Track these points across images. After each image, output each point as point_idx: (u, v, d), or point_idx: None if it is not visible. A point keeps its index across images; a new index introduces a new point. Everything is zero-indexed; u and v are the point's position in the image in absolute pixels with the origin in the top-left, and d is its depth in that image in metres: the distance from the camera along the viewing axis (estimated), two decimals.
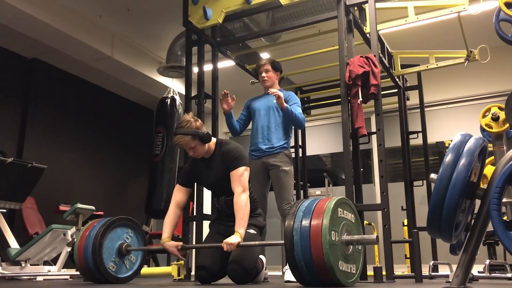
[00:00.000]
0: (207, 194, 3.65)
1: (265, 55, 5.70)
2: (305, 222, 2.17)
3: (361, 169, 5.05)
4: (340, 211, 2.27)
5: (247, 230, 2.70)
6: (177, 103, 6.26)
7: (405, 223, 5.00)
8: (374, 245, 2.20)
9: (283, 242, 2.24)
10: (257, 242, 2.70)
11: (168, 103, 6.19)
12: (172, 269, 3.45)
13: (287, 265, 3.06)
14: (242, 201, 2.64)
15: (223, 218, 2.93)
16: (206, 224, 3.97)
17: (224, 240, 2.55)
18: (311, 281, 2.20)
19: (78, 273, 4.17)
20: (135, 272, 3.05)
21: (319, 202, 2.26)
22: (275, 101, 3.44)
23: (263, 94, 3.72)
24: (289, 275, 3.04)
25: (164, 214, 4.90)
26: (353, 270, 2.27)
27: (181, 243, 2.83)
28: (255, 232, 2.82)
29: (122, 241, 2.98)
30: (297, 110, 3.49)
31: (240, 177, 2.70)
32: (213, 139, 2.86)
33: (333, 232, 2.15)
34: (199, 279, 2.81)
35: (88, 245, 2.82)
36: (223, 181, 2.79)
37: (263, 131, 3.56)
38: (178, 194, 2.91)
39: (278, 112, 3.56)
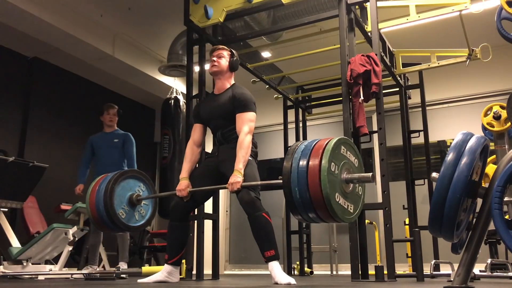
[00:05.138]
0: None
1: (266, 54, 5.70)
2: (304, 159, 2.20)
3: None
4: (343, 150, 2.28)
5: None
6: (181, 103, 6.25)
7: (407, 222, 4.99)
8: (370, 182, 2.24)
9: (281, 180, 2.27)
10: (258, 182, 2.71)
11: (172, 104, 6.18)
12: None
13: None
14: (246, 141, 2.72)
15: (214, 153, 2.96)
16: (207, 223, 3.98)
17: (229, 181, 2.62)
18: (309, 219, 2.23)
19: (79, 272, 4.18)
20: (145, 223, 3.10)
21: (320, 140, 2.28)
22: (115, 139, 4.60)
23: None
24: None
25: None
26: (351, 209, 2.27)
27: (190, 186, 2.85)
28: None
29: (134, 192, 3.03)
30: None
31: (249, 120, 2.78)
32: (232, 80, 2.99)
33: (333, 163, 2.16)
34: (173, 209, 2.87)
35: (101, 190, 2.88)
36: (224, 117, 2.87)
37: None
38: (194, 133, 3.01)
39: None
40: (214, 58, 2.96)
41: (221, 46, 3.02)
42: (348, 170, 2.27)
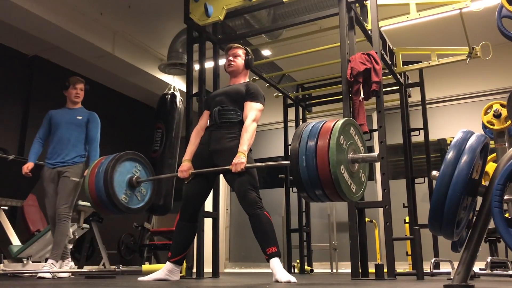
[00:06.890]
0: None
1: (266, 52, 5.70)
2: (314, 135, 2.24)
3: None
4: (352, 130, 2.34)
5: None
6: (177, 99, 6.23)
7: (407, 220, 5.00)
8: (376, 162, 2.36)
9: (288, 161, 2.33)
10: (263, 164, 2.85)
11: (168, 99, 6.14)
12: None
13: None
14: (252, 126, 2.79)
15: (205, 140, 2.93)
16: (207, 221, 3.99)
17: (233, 162, 2.65)
18: (315, 197, 2.27)
19: (79, 270, 4.19)
20: (147, 203, 3.12)
21: (329, 121, 2.33)
22: (78, 117, 3.99)
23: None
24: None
25: (164, 210, 4.85)
26: (353, 189, 2.31)
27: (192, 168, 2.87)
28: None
29: (132, 174, 3.05)
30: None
31: (257, 110, 2.86)
32: (247, 77, 3.11)
33: (342, 136, 2.22)
34: (183, 214, 2.86)
35: (99, 179, 2.89)
36: (230, 94, 2.93)
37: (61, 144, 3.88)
38: (201, 119, 3.08)
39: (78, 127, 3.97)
40: (231, 58, 3.05)
41: (236, 45, 3.10)
42: (354, 151, 2.33)
